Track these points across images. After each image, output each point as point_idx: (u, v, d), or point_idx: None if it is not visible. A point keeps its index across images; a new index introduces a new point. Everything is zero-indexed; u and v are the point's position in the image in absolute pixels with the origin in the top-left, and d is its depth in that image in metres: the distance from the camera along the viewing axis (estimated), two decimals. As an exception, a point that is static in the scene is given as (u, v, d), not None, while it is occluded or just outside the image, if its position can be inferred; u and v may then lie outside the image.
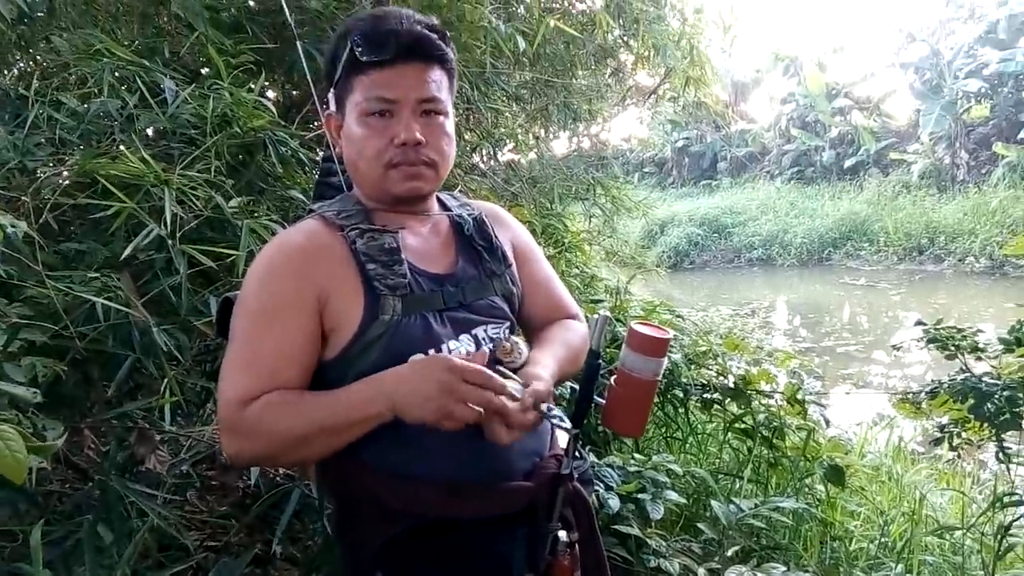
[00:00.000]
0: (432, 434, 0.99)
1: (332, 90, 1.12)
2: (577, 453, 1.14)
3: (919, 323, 2.12)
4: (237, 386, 1.01)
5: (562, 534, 1.12)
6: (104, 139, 1.78)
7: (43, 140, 1.75)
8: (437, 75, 1.10)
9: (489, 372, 0.98)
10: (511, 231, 1.29)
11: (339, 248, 1.07)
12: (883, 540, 2.65)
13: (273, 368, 1.02)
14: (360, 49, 1.04)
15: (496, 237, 1.22)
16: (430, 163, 1.10)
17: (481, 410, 0.95)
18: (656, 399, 2.85)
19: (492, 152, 4.09)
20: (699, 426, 3.13)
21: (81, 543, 1.28)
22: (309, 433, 0.99)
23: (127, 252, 1.43)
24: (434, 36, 1.09)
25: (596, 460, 1.99)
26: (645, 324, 1.12)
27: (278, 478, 1.98)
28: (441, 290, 1.11)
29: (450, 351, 1.07)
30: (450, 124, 1.13)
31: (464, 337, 1.10)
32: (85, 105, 1.82)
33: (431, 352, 1.05)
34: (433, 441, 1.02)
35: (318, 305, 1.03)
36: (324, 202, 1.17)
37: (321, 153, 1.55)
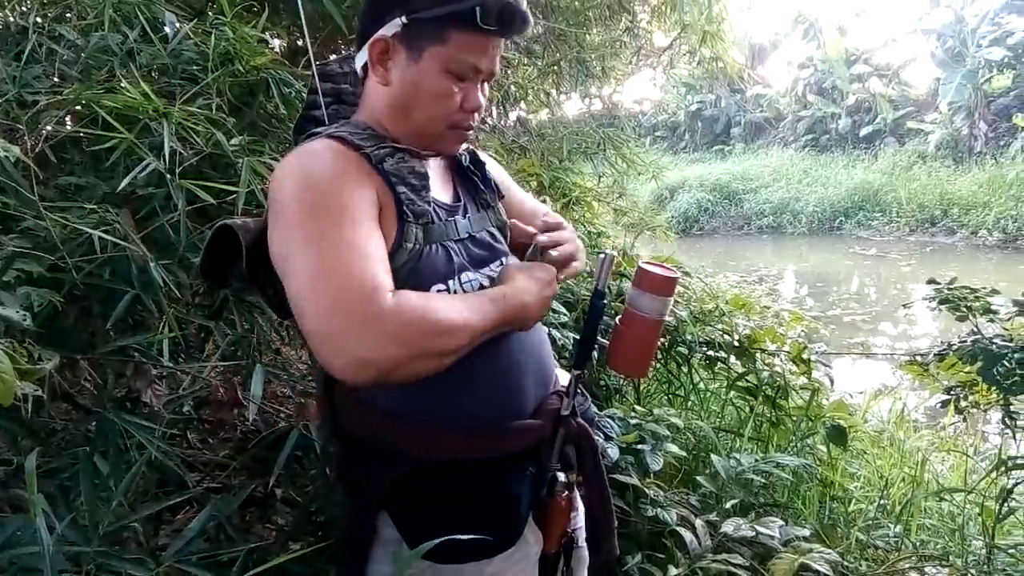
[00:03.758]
0: (445, 376, 0.97)
1: (403, 17, 1.00)
2: (579, 392, 1.13)
3: (931, 282, 2.09)
4: (365, 275, 0.87)
5: (561, 475, 1.12)
6: (104, 73, 1.74)
7: (42, 73, 1.72)
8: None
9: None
10: (490, 164, 1.27)
11: (369, 167, 1.00)
12: (883, 502, 2.65)
13: (387, 264, 0.92)
14: (486, 17, 0.98)
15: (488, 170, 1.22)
16: (475, 127, 1.10)
17: None
18: (659, 356, 2.85)
19: (503, 108, 4.02)
20: (702, 384, 3.12)
21: (78, 474, 1.27)
22: (461, 330, 0.91)
23: (124, 184, 1.40)
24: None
25: (597, 412, 1.99)
26: (653, 263, 1.11)
27: (277, 419, 1.99)
28: (453, 220, 1.08)
29: (463, 283, 1.04)
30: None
31: (474, 274, 1.08)
32: (85, 39, 1.79)
33: (449, 283, 1.03)
34: (446, 383, 1.00)
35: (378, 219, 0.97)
36: (325, 127, 1.08)
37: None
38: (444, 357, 0.91)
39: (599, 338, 1.15)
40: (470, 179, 1.20)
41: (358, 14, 1.10)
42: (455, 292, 1.03)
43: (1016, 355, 1.87)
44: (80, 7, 1.86)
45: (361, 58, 1.07)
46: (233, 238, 1.02)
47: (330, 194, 0.93)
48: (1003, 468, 2.08)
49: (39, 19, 1.80)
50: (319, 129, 1.07)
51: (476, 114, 1.07)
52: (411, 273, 0.99)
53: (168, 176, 1.48)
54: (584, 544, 1.23)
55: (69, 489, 1.29)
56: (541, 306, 1.05)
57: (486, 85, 1.09)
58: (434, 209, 1.05)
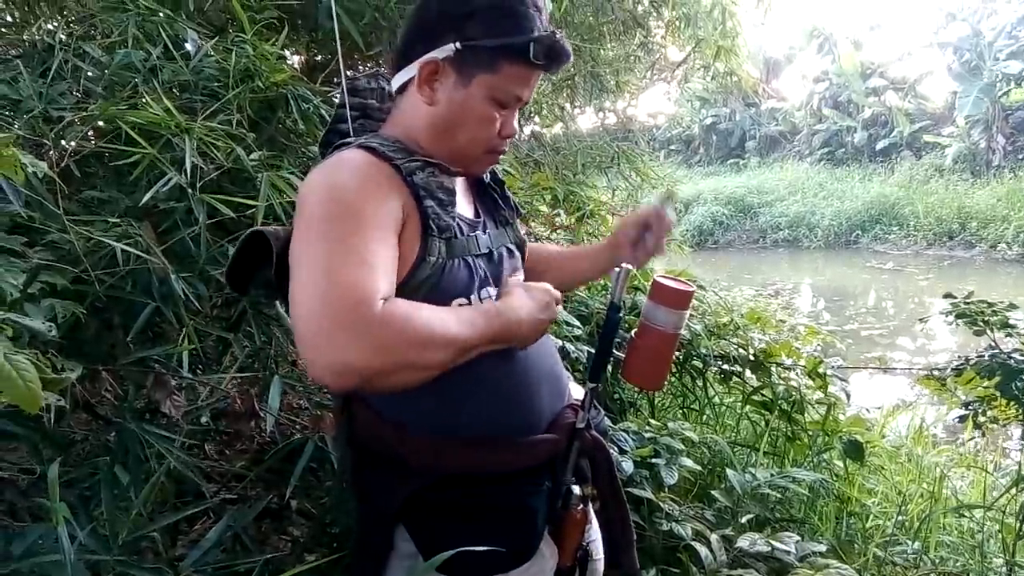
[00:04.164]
0: (463, 390, 1.00)
1: (458, 43, 1.03)
2: (594, 406, 1.13)
3: (948, 295, 2.08)
4: (361, 282, 0.87)
5: (576, 488, 1.13)
6: (127, 89, 1.78)
7: (67, 90, 1.75)
8: None
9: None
10: None
11: (400, 179, 1.01)
12: (900, 519, 2.62)
13: (391, 275, 0.93)
14: (537, 53, 1.02)
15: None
16: (505, 152, 1.16)
17: None
18: (674, 370, 2.84)
19: (518, 123, 4.05)
20: (717, 399, 3.11)
21: (98, 484, 1.29)
22: (447, 344, 0.91)
23: (146, 198, 1.43)
24: None
25: (611, 425, 1.99)
26: (668, 277, 1.12)
27: (293, 430, 2.00)
28: (475, 235, 1.10)
29: (483, 299, 1.06)
30: None
31: (492, 291, 1.09)
32: (109, 56, 1.82)
33: (471, 298, 1.04)
34: (463, 397, 1.03)
35: (399, 232, 0.98)
36: (355, 138, 1.09)
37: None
38: (428, 370, 0.91)
39: (614, 351, 1.16)
40: (490, 196, 1.22)
41: (404, 32, 1.12)
42: None
43: (1035, 370, 1.86)
44: (105, 25, 1.90)
45: (404, 75, 1.09)
46: (263, 245, 1.03)
47: (351, 203, 0.94)
48: (1023, 484, 2.05)
49: (64, 37, 1.84)
50: (349, 140, 1.08)
51: (509, 140, 1.11)
52: (433, 288, 1.00)
53: (189, 190, 1.50)
54: (599, 557, 1.23)
55: (89, 499, 1.31)
56: (534, 327, 1.05)
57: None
58: (458, 224, 1.06)
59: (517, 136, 4.17)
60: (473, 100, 1.05)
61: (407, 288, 0.98)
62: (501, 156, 1.14)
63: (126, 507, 1.28)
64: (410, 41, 1.09)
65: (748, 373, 2.69)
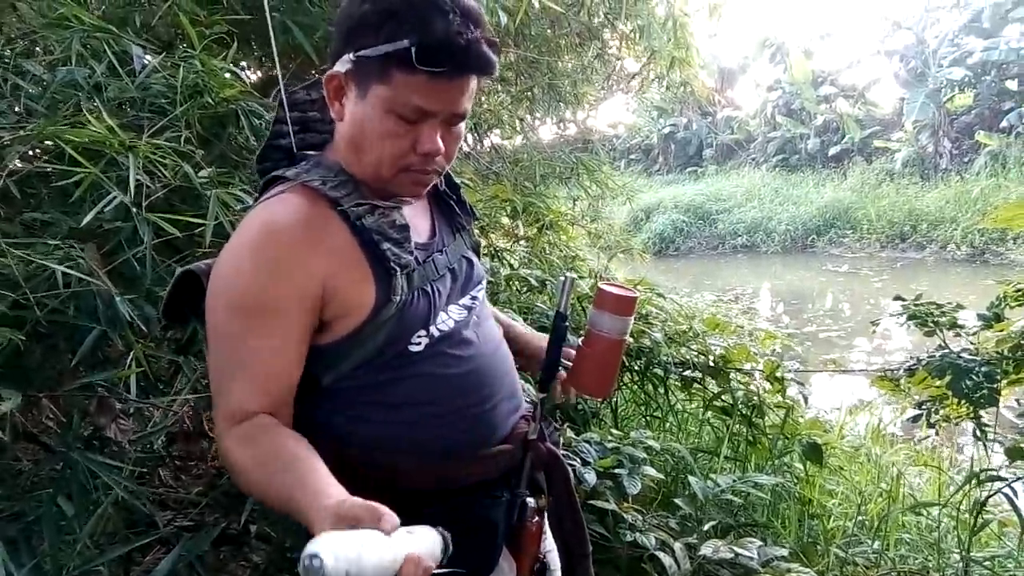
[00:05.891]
0: (421, 411, 1.00)
1: (352, 53, 0.95)
2: (545, 418, 1.13)
3: (898, 298, 2.12)
4: (232, 397, 0.95)
5: (531, 500, 1.12)
6: (70, 108, 1.73)
7: (7, 108, 1.70)
8: (475, 85, 0.99)
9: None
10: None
11: (337, 228, 0.99)
12: (860, 519, 2.67)
13: (273, 376, 0.96)
14: (417, 55, 0.90)
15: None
16: (440, 171, 1.05)
17: None
18: (636, 378, 2.85)
19: (477, 135, 4.05)
20: (679, 405, 3.13)
21: (42, 518, 1.24)
22: (264, 495, 0.93)
23: (88, 219, 1.39)
24: (493, 52, 0.96)
25: (574, 436, 1.98)
26: (612, 284, 1.13)
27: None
28: (432, 259, 1.07)
29: (439, 325, 1.05)
30: (464, 126, 1.05)
31: (452, 308, 1.08)
32: (52, 73, 1.77)
33: (431, 328, 1.03)
34: (417, 413, 1.02)
35: (322, 300, 0.96)
36: (296, 168, 1.04)
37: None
38: None
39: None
40: (445, 203, 1.19)
41: None
42: (433, 336, 1.03)
43: (983, 368, 1.91)
44: (47, 42, 1.85)
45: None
46: (195, 281, 1.03)
47: (266, 289, 0.95)
48: (975, 481, 2.10)
49: (6, 53, 1.79)
50: (290, 173, 1.03)
51: (438, 158, 1.00)
52: (396, 324, 0.99)
53: (134, 210, 1.46)
54: (555, 568, 1.22)
55: (34, 534, 1.26)
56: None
57: (460, 127, 1.02)
58: (415, 257, 1.04)
59: (475, 148, 4.18)
60: (371, 115, 0.97)
61: (368, 329, 0.98)
62: (427, 176, 1.03)
63: (73, 540, 1.23)
64: (330, 58, 1.04)
65: (709, 379, 2.72)
